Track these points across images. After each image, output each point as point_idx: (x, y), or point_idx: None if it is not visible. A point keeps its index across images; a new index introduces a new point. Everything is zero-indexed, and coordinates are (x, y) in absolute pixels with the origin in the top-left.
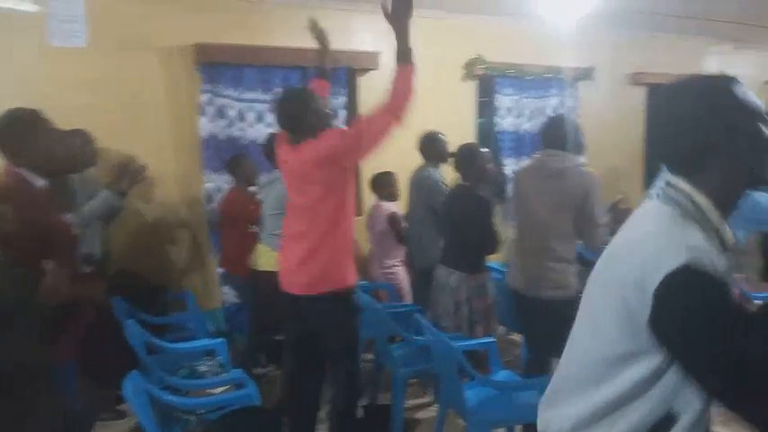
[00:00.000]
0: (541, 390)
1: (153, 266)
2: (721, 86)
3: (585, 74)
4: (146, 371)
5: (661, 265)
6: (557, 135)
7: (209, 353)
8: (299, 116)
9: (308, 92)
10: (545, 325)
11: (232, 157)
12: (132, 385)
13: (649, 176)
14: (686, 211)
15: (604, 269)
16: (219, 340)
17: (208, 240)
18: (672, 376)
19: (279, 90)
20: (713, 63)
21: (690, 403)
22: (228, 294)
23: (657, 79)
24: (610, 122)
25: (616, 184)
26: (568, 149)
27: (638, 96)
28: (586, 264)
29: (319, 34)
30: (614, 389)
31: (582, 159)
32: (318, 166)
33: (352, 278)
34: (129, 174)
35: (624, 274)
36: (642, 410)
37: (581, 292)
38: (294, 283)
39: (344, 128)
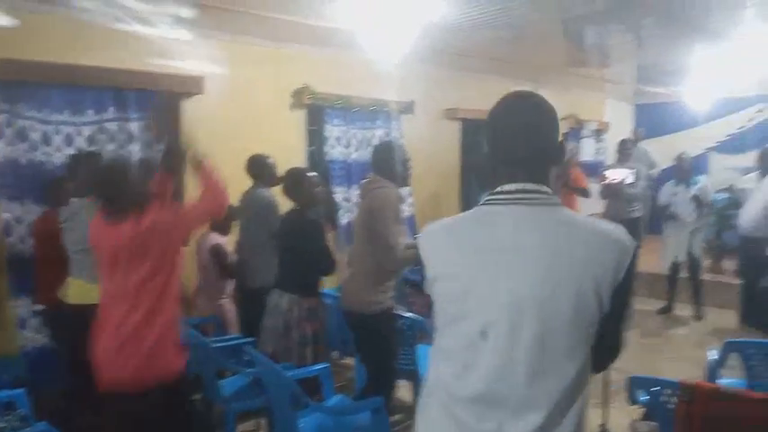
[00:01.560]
0: (375, 410)
1: None
2: (547, 103)
3: (407, 108)
4: None
5: (629, 247)
6: (379, 160)
7: (8, 406)
8: (118, 187)
9: (126, 162)
10: (369, 340)
11: (53, 180)
12: None
13: (466, 201)
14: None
15: (558, 282)
16: (19, 391)
17: (5, 277)
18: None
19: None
20: None
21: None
22: (28, 338)
23: (470, 114)
24: (430, 153)
25: (437, 208)
26: (391, 174)
27: (454, 129)
28: (413, 284)
29: (165, 112)
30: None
31: (389, 182)
32: (148, 239)
33: (182, 361)
34: None
35: (600, 271)
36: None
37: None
38: (114, 379)
39: (171, 203)
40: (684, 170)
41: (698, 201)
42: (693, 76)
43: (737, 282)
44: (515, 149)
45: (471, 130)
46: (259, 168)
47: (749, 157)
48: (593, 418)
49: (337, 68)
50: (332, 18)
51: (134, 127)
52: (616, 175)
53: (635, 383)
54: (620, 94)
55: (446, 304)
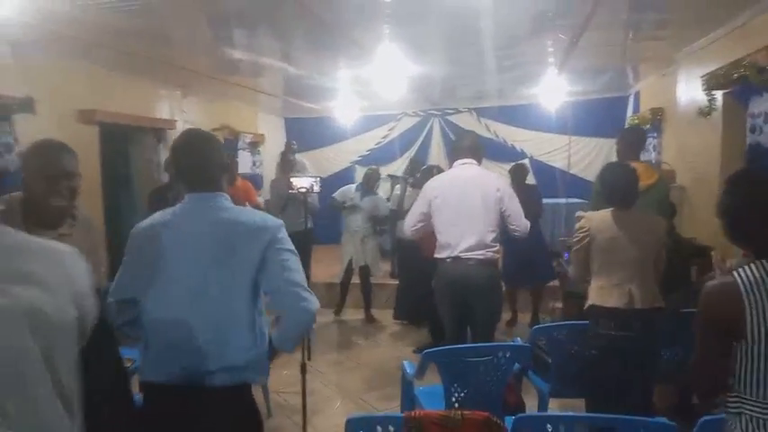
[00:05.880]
0: None
1: None
2: None
3: (24, 105)
4: None
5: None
6: None
7: None
8: None
9: None
10: None
11: None
12: None
13: (109, 211)
14: None
15: None
16: None
17: None
18: None
19: None
20: (165, 106)
21: None
22: None
23: (111, 118)
24: None
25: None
26: None
27: (92, 134)
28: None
29: None
30: None
31: None
32: None
33: None
34: None
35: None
36: None
37: None
38: None
39: None
40: (369, 183)
41: (366, 213)
42: (340, 94)
43: (393, 282)
44: None
45: (114, 136)
46: None
47: (387, 169)
48: None
49: None
50: None
51: None
52: (303, 183)
53: (352, 426)
54: (271, 108)
55: None
